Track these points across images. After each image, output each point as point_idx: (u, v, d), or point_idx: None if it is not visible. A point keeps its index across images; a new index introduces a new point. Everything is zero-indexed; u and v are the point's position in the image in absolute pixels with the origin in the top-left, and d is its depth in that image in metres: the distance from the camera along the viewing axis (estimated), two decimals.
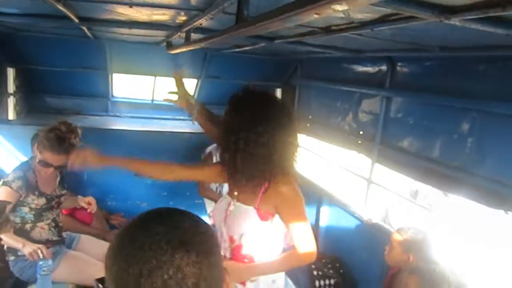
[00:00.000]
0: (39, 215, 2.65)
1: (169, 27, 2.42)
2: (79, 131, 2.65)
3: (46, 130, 2.55)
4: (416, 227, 2.43)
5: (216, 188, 3.97)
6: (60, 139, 2.51)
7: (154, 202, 3.75)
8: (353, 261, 3.32)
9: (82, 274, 2.59)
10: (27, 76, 4.06)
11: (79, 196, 2.90)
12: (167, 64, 4.25)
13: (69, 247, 2.88)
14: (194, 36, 2.33)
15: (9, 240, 2.46)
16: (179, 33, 2.49)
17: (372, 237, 3.00)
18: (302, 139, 4.32)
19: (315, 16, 0.72)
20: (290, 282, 3.19)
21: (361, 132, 3.27)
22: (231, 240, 1.75)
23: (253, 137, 1.57)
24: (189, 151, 4.29)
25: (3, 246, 2.62)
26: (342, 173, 4.37)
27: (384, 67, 2.95)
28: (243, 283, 1.75)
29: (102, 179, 4.03)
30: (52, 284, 2.33)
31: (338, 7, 0.62)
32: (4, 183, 2.52)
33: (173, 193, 4.25)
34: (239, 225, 1.72)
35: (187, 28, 2.23)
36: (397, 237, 2.41)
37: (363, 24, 1.57)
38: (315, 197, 3.82)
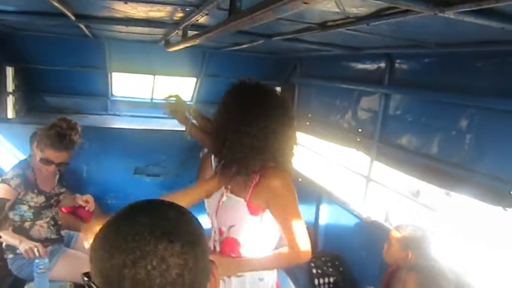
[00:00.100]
0: (38, 213, 2.65)
1: (166, 25, 2.42)
2: (79, 128, 2.66)
3: (45, 128, 2.55)
4: (415, 224, 2.42)
5: None
6: (61, 136, 2.52)
7: None
8: (352, 259, 3.31)
9: (80, 272, 2.59)
10: (27, 75, 4.06)
11: (77, 195, 2.90)
12: (166, 63, 4.26)
13: (68, 245, 2.88)
14: (191, 33, 2.32)
15: (7, 237, 2.46)
16: (176, 31, 2.49)
17: (371, 234, 2.99)
18: (302, 137, 4.32)
19: (304, 5, 0.71)
20: (289, 281, 3.18)
21: (360, 130, 3.26)
22: (220, 232, 1.71)
23: (242, 127, 1.54)
24: (188, 149, 4.29)
25: (1, 244, 2.63)
26: (341, 171, 4.36)
27: (382, 64, 2.94)
28: (228, 276, 1.69)
29: (102, 177, 4.04)
30: (50, 283, 2.32)
31: None
32: (3, 181, 2.52)
33: (172, 191, 4.24)
34: (228, 217, 1.68)
35: (184, 25, 2.23)
36: (395, 234, 2.41)
37: (359, 19, 1.56)
38: (314, 195, 3.81)
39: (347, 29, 1.80)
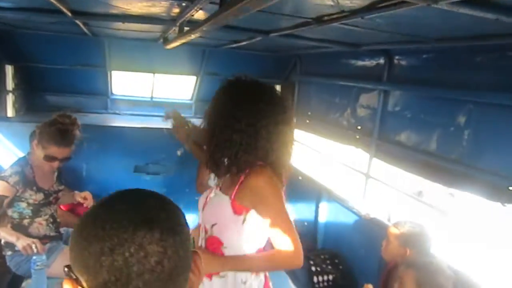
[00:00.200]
0: (37, 210, 2.65)
1: (163, 21, 2.41)
2: (79, 123, 2.68)
3: (46, 125, 2.55)
4: (413, 220, 2.40)
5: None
6: (63, 132, 2.54)
7: None
8: (352, 256, 3.30)
9: None
10: (26, 73, 4.07)
11: (76, 192, 2.90)
12: (166, 61, 4.26)
13: (67, 242, 2.88)
14: (187, 29, 2.32)
15: (4, 234, 2.47)
16: (173, 28, 2.49)
17: (370, 232, 2.98)
18: (302, 135, 4.31)
19: None
20: (288, 279, 3.18)
21: (359, 127, 3.25)
22: (205, 230, 1.65)
23: (231, 122, 1.48)
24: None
25: (0, 241, 2.63)
26: (341, 169, 4.34)
27: (381, 61, 2.93)
28: (209, 276, 1.62)
29: (102, 176, 4.04)
30: (48, 279, 2.32)
31: None
32: (1, 178, 2.53)
33: (172, 189, 4.25)
34: (212, 214, 1.62)
35: (180, 21, 2.22)
36: (393, 230, 2.39)
37: (353, 13, 1.55)
38: (314, 193, 3.80)
39: (343, 24, 1.79)
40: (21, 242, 2.36)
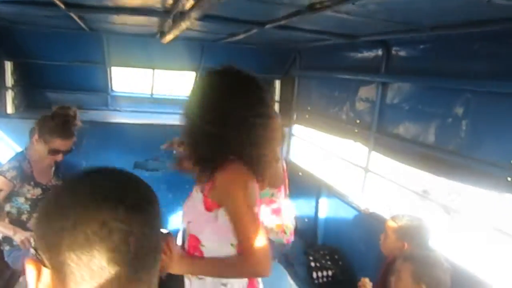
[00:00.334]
0: (35, 205, 2.65)
1: (157, 13, 2.39)
2: (78, 114, 2.70)
3: (47, 119, 2.56)
4: (411, 214, 2.37)
5: None
6: (67, 124, 2.55)
7: None
8: (352, 252, 3.27)
9: None
10: (26, 70, 4.07)
11: None
12: (165, 57, 4.25)
13: None
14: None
15: (1, 228, 2.47)
16: (168, 20, 2.47)
17: (370, 226, 2.95)
18: (301, 130, 4.29)
19: None
20: (287, 275, 3.15)
21: (358, 121, 3.22)
22: (186, 228, 1.58)
23: (202, 114, 1.41)
24: None
25: None
26: (340, 164, 4.31)
27: (379, 53, 2.89)
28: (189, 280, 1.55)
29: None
30: None
31: None
32: None
33: (172, 186, 4.23)
34: (188, 211, 1.56)
35: (174, 13, 2.21)
36: (391, 224, 2.36)
37: None
38: (314, 188, 3.77)
39: (335, 11, 1.77)
40: (18, 236, 2.37)
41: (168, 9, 2.27)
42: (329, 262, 3.23)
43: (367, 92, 3.11)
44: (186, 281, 1.59)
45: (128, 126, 4.25)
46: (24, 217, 2.64)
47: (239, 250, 1.43)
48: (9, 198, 2.58)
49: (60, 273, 0.56)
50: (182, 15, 2.06)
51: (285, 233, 2.95)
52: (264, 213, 3.09)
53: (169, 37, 2.70)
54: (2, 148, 3.72)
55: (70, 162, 3.24)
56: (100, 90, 4.57)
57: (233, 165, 1.41)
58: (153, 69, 4.54)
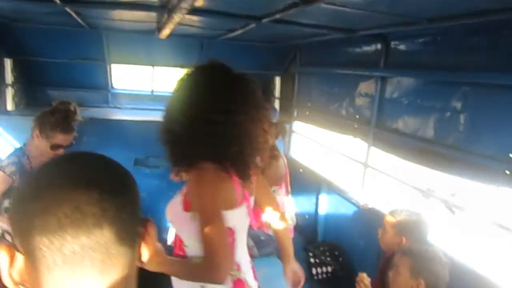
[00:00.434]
0: None
1: (153, 8, 2.39)
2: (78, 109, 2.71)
3: (48, 114, 2.56)
4: (410, 209, 2.35)
5: None
6: (68, 119, 2.56)
7: (154, 192, 3.74)
8: (351, 248, 3.25)
9: None
10: (26, 67, 4.08)
11: None
12: (165, 54, 4.25)
13: None
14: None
15: (0, 223, 2.47)
16: (165, 14, 2.46)
17: (369, 222, 2.92)
18: (302, 127, 4.27)
19: None
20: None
21: (357, 116, 3.20)
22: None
23: (175, 114, 1.38)
24: None
25: None
26: (341, 160, 4.30)
27: (378, 47, 2.87)
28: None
29: None
30: None
31: None
32: None
33: (172, 183, 4.23)
34: (169, 211, 1.53)
35: (170, 7, 2.20)
36: (389, 219, 2.34)
37: None
38: (314, 185, 3.76)
39: (331, 4, 1.75)
40: None
41: (164, 3, 2.26)
42: (328, 258, 3.21)
43: (366, 87, 3.09)
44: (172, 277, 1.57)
45: (129, 123, 4.25)
46: None
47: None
48: (8, 193, 2.58)
49: (32, 257, 0.55)
50: (175, 8, 2.05)
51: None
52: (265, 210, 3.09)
53: (165, 32, 2.69)
54: (2, 145, 3.73)
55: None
56: (100, 88, 4.58)
57: (203, 165, 1.36)
58: (153, 66, 4.54)
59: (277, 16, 2.25)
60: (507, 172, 1.82)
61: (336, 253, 3.26)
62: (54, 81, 4.29)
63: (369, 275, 2.26)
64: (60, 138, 2.55)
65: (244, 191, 1.51)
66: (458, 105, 2.17)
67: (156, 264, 1.35)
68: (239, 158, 1.39)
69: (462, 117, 2.14)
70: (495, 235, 5.02)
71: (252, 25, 2.74)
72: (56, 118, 2.52)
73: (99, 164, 0.63)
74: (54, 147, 2.56)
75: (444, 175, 2.37)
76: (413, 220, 2.26)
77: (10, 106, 3.88)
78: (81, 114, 3.87)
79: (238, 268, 1.56)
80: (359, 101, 3.21)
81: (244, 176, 1.43)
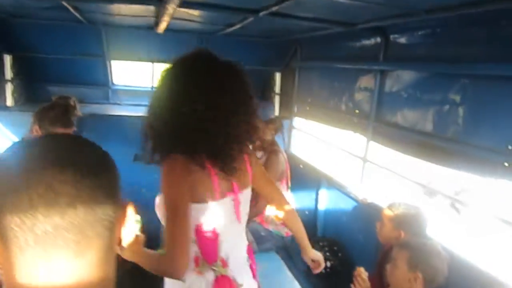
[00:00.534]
0: None
1: (150, 1, 2.38)
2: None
3: (47, 108, 2.56)
4: (408, 202, 2.33)
5: None
6: (68, 114, 2.56)
7: (153, 187, 3.74)
8: (351, 243, 3.23)
9: None
10: (25, 63, 4.08)
11: None
12: (164, 50, 4.23)
13: None
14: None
15: None
16: (162, 8, 2.45)
17: (368, 217, 2.90)
18: (302, 122, 4.25)
19: None
20: (284, 266, 3.13)
21: (357, 111, 3.17)
22: None
23: (151, 107, 1.36)
24: None
25: None
26: (340, 155, 4.27)
27: (378, 40, 2.85)
28: None
29: None
30: None
31: None
32: None
33: None
34: (156, 206, 1.51)
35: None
36: (387, 213, 2.32)
37: None
38: (314, 181, 3.74)
39: None
40: None
41: None
42: (328, 254, 3.19)
43: (366, 81, 3.07)
44: None
45: (129, 119, 4.24)
46: None
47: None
48: None
49: (4, 238, 0.54)
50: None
51: (284, 225, 2.94)
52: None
53: (162, 26, 2.68)
54: (1, 141, 3.74)
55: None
56: (100, 84, 4.58)
57: (173, 158, 1.34)
58: (153, 62, 4.53)
59: (274, 9, 2.24)
60: (506, 164, 1.80)
61: (335, 248, 3.24)
62: (53, 77, 4.29)
63: (368, 270, 2.25)
64: (61, 133, 2.55)
65: (231, 184, 1.47)
66: (457, 97, 2.14)
67: (131, 253, 1.32)
68: (216, 150, 1.35)
69: (461, 110, 2.12)
70: (499, 231, 5.00)
71: (250, 19, 2.73)
72: (55, 113, 2.51)
73: (75, 145, 0.62)
74: None
75: (447, 171, 2.35)
76: (412, 214, 2.24)
77: (9, 101, 3.88)
78: (81, 110, 3.90)
79: (224, 265, 1.51)
80: (359, 95, 3.18)
81: (224, 168, 1.39)
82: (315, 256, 1.86)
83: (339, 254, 3.24)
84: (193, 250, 1.46)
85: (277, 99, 4.90)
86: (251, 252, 1.73)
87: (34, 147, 0.60)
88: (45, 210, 0.53)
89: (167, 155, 1.36)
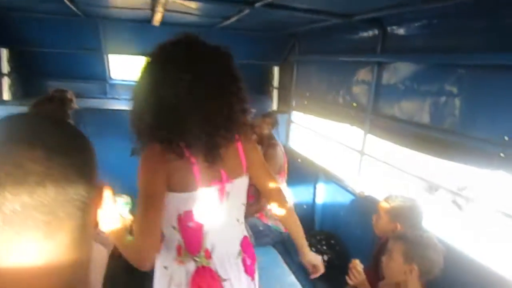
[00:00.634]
0: None
1: None
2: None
3: (45, 101, 2.55)
4: (405, 195, 2.32)
5: None
6: (64, 107, 2.57)
7: None
8: (348, 236, 3.22)
9: None
10: (22, 57, 4.07)
11: None
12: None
13: None
14: None
15: None
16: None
17: (366, 210, 2.89)
18: (300, 116, 4.23)
19: None
20: (280, 259, 3.13)
21: (354, 104, 3.15)
22: None
23: (133, 93, 1.32)
24: None
25: None
26: (338, 149, 4.26)
27: (375, 33, 2.82)
28: None
29: (98, 158, 4.03)
30: None
31: None
32: None
33: None
34: None
35: None
36: (384, 205, 2.32)
37: None
38: (312, 174, 3.73)
39: None
40: None
41: None
42: (325, 247, 3.18)
43: (363, 74, 3.05)
44: None
45: (126, 113, 4.22)
46: None
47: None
48: None
49: None
50: None
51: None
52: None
53: (158, 17, 2.65)
54: None
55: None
56: (98, 78, 4.56)
57: (150, 146, 1.31)
58: None
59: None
60: (502, 155, 1.78)
61: (333, 242, 3.23)
62: (51, 71, 4.27)
63: (364, 263, 2.24)
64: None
65: (219, 173, 1.42)
66: (453, 89, 2.12)
67: (115, 238, 1.30)
68: (195, 138, 1.30)
69: (457, 101, 2.10)
70: (502, 225, 4.98)
71: (246, 11, 2.71)
72: (52, 106, 2.51)
73: (46, 124, 0.60)
74: None
75: (449, 168, 2.32)
76: (408, 206, 2.23)
77: (6, 96, 3.87)
78: (79, 104, 3.88)
79: (208, 256, 1.48)
80: (356, 88, 3.16)
81: (207, 157, 1.35)
82: (314, 261, 1.82)
83: (337, 248, 3.23)
84: (176, 239, 1.44)
85: (275, 93, 4.88)
86: (249, 246, 1.66)
87: (3, 126, 0.58)
88: (13, 188, 0.51)
89: (147, 145, 1.33)
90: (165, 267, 1.48)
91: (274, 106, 4.84)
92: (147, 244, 1.26)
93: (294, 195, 3.61)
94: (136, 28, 4.03)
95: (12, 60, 3.93)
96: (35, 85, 4.25)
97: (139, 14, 3.37)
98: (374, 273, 2.22)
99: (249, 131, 1.55)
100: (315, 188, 3.70)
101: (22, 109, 3.35)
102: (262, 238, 3.26)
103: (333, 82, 3.54)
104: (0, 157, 0.52)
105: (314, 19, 2.96)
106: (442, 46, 2.21)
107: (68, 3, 2.76)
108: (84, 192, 0.58)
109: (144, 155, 1.31)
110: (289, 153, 3.78)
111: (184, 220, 1.40)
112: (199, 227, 1.43)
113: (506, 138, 1.78)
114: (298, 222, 1.76)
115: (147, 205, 1.27)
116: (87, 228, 0.60)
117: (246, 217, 1.68)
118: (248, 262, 1.62)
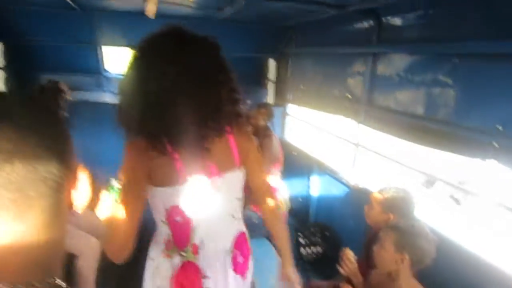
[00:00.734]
0: None
1: None
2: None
3: (38, 92, 2.54)
4: (397, 186, 2.31)
5: None
6: (58, 97, 2.54)
7: None
8: (342, 228, 3.23)
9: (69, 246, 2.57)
10: (17, 51, 4.04)
11: None
12: None
13: None
14: None
15: None
16: None
17: (360, 202, 2.89)
18: (295, 109, 4.22)
19: None
20: (274, 251, 3.13)
21: (349, 96, 3.15)
22: None
23: (120, 86, 1.28)
24: None
25: None
26: (333, 141, 4.26)
27: (371, 24, 2.81)
28: None
29: (92, 151, 4.02)
30: None
31: None
32: None
33: None
34: None
35: None
36: (377, 196, 2.31)
37: None
38: (307, 167, 3.73)
39: None
40: None
41: None
42: (319, 239, 3.19)
43: (358, 65, 3.04)
44: None
45: None
46: None
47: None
48: None
49: None
50: None
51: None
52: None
53: (151, 7, 2.64)
54: None
55: None
56: (93, 71, 4.54)
57: (131, 142, 1.26)
58: None
59: None
60: (495, 144, 1.78)
61: (327, 233, 3.24)
62: (46, 64, 4.25)
63: (357, 254, 2.24)
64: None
65: (207, 166, 1.36)
66: (447, 79, 2.12)
67: (106, 223, 1.30)
68: (182, 131, 1.24)
69: (451, 91, 2.09)
70: (501, 218, 4.99)
71: (241, 1, 2.69)
72: (46, 97, 2.50)
73: (16, 101, 0.59)
74: None
75: (447, 162, 2.32)
76: (401, 197, 2.23)
77: (2, 89, 3.85)
78: (74, 97, 3.86)
79: (195, 252, 1.44)
80: (351, 80, 3.16)
81: (195, 150, 1.30)
82: (291, 277, 1.68)
83: (331, 239, 3.24)
84: (165, 233, 1.43)
85: (271, 86, 4.87)
86: (244, 243, 1.60)
87: None
88: None
89: (132, 139, 1.28)
90: (152, 259, 1.49)
91: (270, 99, 4.82)
92: (120, 239, 1.24)
93: (289, 187, 3.62)
94: (132, 21, 4.00)
95: (7, 54, 3.91)
96: (31, 79, 4.23)
97: (132, 3, 3.34)
98: (366, 263, 2.22)
99: (242, 123, 1.49)
100: (309, 180, 3.71)
101: None
102: (256, 230, 3.26)
103: (328, 74, 3.54)
104: None
105: (309, 10, 2.94)
106: (437, 36, 2.20)
107: None
108: (57, 171, 0.57)
109: (126, 150, 1.26)
110: (284, 146, 3.77)
111: (171, 215, 1.38)
112: (188, 222, 1.40)
113: (499, 127, 1.78)
114: (285, 230, 1.69)
115: (125, 202, 1.25)
116: (60, 208, 0.59)
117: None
118: (240, 259, 1.57)
